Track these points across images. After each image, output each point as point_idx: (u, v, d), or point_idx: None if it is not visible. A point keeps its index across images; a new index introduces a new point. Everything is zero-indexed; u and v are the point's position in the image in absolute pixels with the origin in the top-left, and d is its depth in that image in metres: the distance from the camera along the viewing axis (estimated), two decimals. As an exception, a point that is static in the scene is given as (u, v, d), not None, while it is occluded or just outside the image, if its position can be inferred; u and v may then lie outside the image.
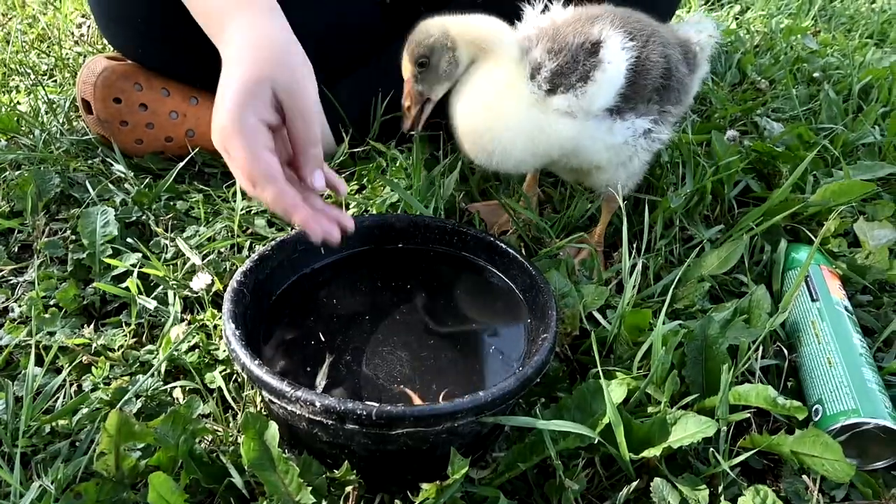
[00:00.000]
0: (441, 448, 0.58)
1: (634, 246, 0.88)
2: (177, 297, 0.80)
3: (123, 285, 0.80)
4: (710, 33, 0.90)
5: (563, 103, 0.75)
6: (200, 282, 0.79)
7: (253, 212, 0.97)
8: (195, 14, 0.76)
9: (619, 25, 0.77)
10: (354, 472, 0.58)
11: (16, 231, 0.93)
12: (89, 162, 1.07)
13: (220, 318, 0.72)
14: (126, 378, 0.71)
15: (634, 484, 0.60)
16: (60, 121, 1.15)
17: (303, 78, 0.65)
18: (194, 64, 1.00)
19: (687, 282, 0.85)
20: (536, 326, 0.68)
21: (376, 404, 0.54)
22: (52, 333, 0.76)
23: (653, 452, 0.60)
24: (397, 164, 1.03)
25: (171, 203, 0.98)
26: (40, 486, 0.57)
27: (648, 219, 0.87)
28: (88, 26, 1.57)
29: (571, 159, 0.82)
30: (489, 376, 0.66)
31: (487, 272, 0.77)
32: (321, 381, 0.63)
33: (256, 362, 0.58)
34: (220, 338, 0.75)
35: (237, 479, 0.58)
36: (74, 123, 1.17)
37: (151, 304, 0.79)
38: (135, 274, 0.81)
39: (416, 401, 0.61)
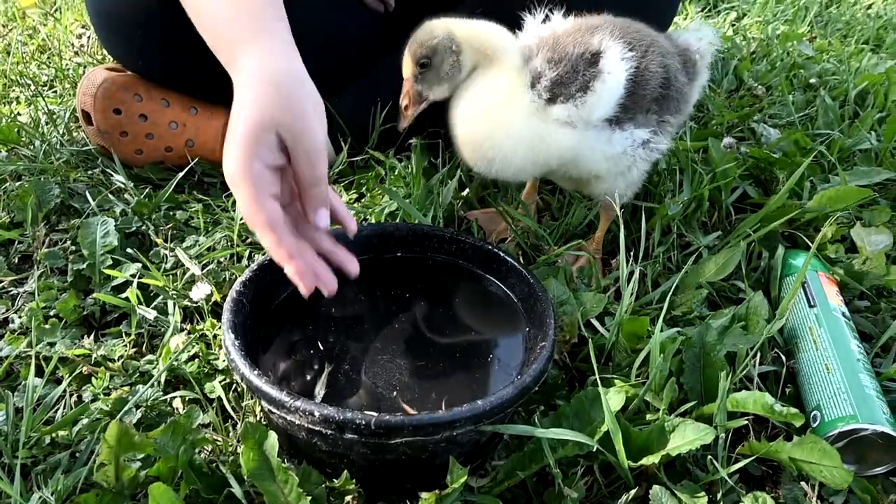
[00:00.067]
0: (440, 457, 0.58)
1: (632, 253, 0.89)
2: (176, 307, 0.80)
3: (123, 295, 0.81)
4: (709, 41, 0.91)
5: (563, 113, 0.75)
6: (200, 292, 0.79)
7: (252, 221, 0.97)
8: (207, 39, 0.76)
9: (619, 36, 0.77)
10: (354, 481, 0.58)
11: (16, 242, 0.93)
12: (89, 172, 1.07)
13: (220, 327, 0.72)
14: (126, 388, 0.71)
15: (633, 492, 0.60)
16: (60, 132, 1.15)
17: (308, 119, 0.66)
18: (194, 75, 1.00)
19: (685, 289, 0.85)
20: (535, 334, 0.69)
21: (375, 414, 0.54)
22: (52, 344, 0.76)
23: (651, 460, 0.60)
24: (396, 173, 1.03)
25: (171, 213, 0.98)
26: (41, 497, 0.57)
27: (646, 226, 0.87)
28: (88, 37, 1.58)
29: (571, 169, 0.82)
30: (488, 385, 0.66)
31: (486, 280, 0.78)
32: (320, 391, 0.63)
33: (255, 372, 0.58)
34: (220, 347, 0.75)
35: (237, 490, 0.58)
36: (74, 134, 1.17)
37: (151, 314, 0.79)
38: (135, 284, 0.81)
39: (411, 413, 0.61)
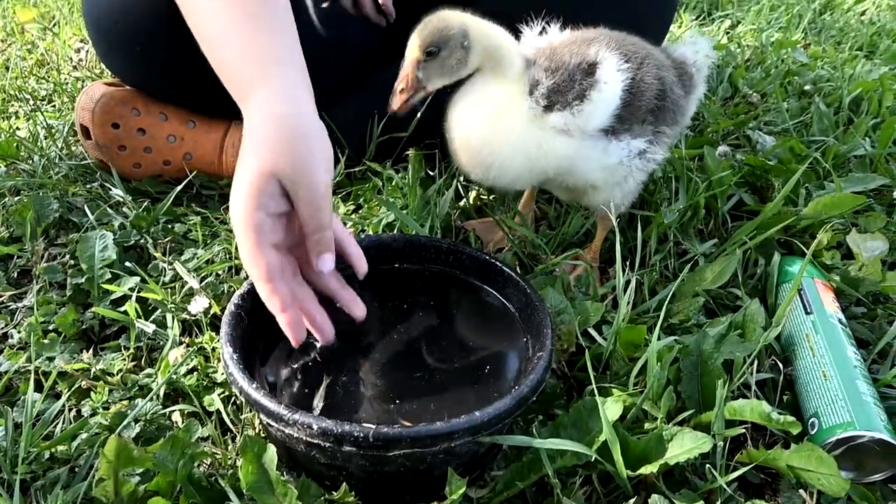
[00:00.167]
0: (439, 468, 0.59)
1: (629, 262, 0.89)
2: (175, 321, 0.80)
3: (122, 309, 0.81)
4: (705, 53, 0.91)
5: (560, 121, 0.76)
6: (198, 305, 0.79)
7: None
8: (219, 74, 0.76)
9: (615, 48, 0.78)
10: (353, 493, 0.58)
11: (15, 256, 0.94)
12: (88, 186, 1.08)
13: (219, 340, 0.73)
14: (125, 402, 0.71)
15: (632, 501, 0.60)
16: (59, 146, 1.16)
17: (309, 169, 0.66)
18: (193, 89, 1.01)
19: (682, 297, 0.85)
20: (532, 344, 0.69)
21: (373, 426, 0.54)
22: (51, 359, 0.76)
23: (650, 469, 0.60)
24: (393, 184, 1.04)
25: (170, 226, 0.98)
26: (40, 512, 0.57)
27: (643, 234, 0.88)
28: (87, 52, 1.59)
29: (567, 178, 0.82)
30: (486, 395, 0.66)
31: (483, 291, 0.78)
32: (318, 404, 0.63)
33: (254, 386, 0.58)
34: (219, 360, 0.76)
35: (236, 503, 0.58)
36: (73, 148, 1.18)
37: (150, 327, 0.79)
38: (133, 298, 0.82)
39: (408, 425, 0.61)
